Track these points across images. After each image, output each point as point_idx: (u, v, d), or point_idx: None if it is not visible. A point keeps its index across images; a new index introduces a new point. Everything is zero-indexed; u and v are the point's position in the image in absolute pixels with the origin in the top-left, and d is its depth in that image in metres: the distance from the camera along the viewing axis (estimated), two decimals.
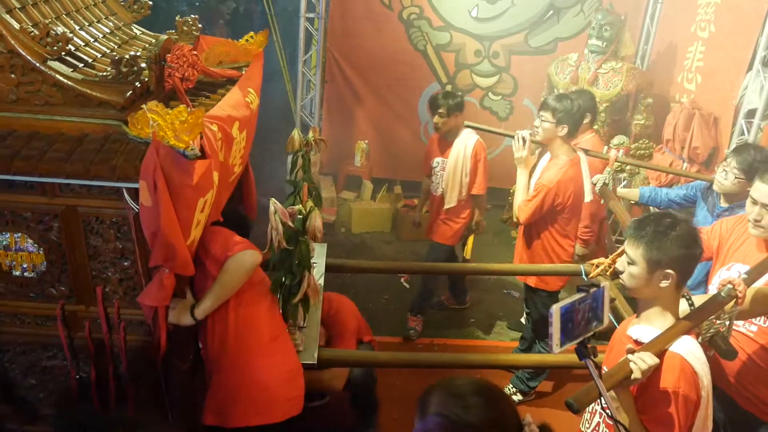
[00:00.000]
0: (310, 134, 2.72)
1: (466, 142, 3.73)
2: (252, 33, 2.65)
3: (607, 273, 2.76)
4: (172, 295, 1.93)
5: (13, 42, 1.80)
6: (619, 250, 1.96)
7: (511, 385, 3.56)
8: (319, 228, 2.16)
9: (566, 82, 4.68)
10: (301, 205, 2.18)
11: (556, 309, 1.47)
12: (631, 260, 1.79)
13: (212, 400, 2.19)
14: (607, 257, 2.88)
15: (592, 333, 1.58)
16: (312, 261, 2.39)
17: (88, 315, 2.09)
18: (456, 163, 3.71)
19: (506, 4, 5.22)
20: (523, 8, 5.23)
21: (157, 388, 2.14)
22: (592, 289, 1.56)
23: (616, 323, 2.24)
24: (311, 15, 5.11)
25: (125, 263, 2.00)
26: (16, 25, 1.83)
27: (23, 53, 1.81)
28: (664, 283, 1.75)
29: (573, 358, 1.68)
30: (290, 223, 2.10)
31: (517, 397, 3.55)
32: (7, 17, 1.83)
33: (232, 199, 2.37)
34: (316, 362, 2.29)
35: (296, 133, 2.63)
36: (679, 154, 4.26)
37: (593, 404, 1.92)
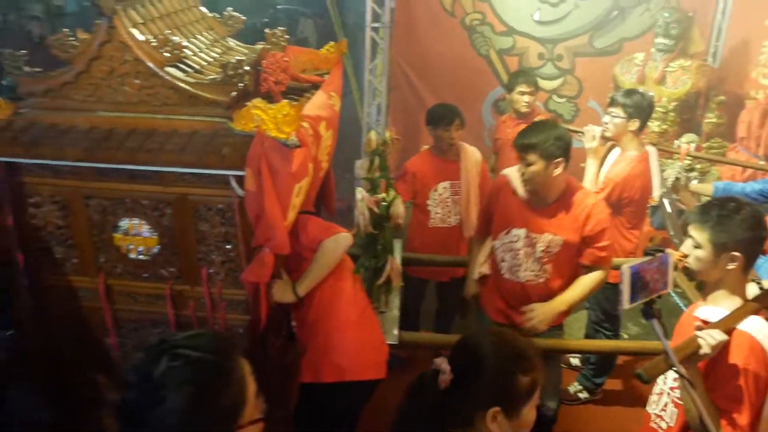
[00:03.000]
0: (387, 134, 2.90)
1: (473, 156, 3.53)
2: (332, 42, 2.88)
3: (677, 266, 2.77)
4: (271, 276, 2.13)
5: (138, 51, 2.06)
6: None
7: (576, 383, 3.58)
8: (401, 214, 2.33)
9: (633, 81, 4.67)
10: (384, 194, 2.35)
11: (626, 268, 1.60)
12: (697, 244, 1.83)
13: (308, 361, 2.39)
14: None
15: (658, 295, 1.67)
16: None
17: (193, 295, 2.30)
18: (470, 183, 3.49)
19: (569, 7, 5.22)
20: (587, 10, 5.22)
21: (252, 363, 2.34)
22: (658, 254, 1.65)
23: (683, 307, 2.28)
24: (377, 25, 5.31)
25: (228, 246, 2.20)
26: (141, 37, 2.10)
27: (146, 61, 2.07)
28: (731, 266, 1.78)
29: (642, 344, 1.74)
30: (376, 209, 2.27)
31: (584, 395, 3.55)
32: (134, 30, 2.09)
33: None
34: (397, 342, 2.44)
35: (373, 134, 2.82)
36: (755, 152, 4.17)
37: (661, 384, 1.97)
